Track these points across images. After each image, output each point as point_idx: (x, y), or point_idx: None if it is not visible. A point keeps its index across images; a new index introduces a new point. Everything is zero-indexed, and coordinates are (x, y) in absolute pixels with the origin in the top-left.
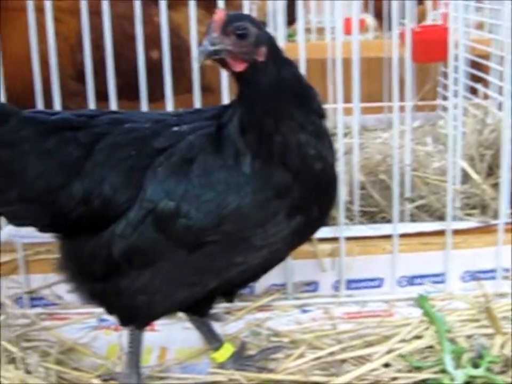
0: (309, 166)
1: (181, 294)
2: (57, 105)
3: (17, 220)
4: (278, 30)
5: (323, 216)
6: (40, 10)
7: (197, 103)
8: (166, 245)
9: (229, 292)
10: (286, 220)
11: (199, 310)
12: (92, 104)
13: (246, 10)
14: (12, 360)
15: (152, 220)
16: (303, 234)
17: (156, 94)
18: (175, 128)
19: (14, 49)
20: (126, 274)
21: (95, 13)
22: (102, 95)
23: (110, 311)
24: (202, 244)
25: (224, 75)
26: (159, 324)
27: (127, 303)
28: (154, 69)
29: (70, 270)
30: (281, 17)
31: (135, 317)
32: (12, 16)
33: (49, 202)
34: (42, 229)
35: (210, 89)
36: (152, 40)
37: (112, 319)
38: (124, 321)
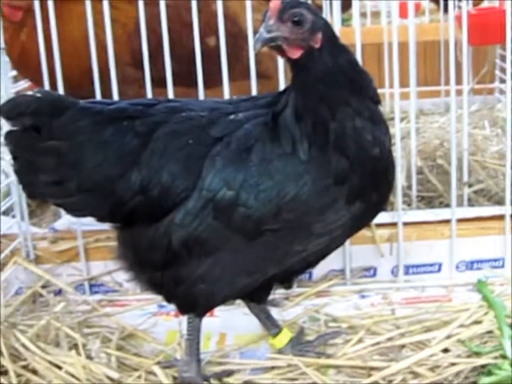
0: (366, 152)
1: (241, 282)
2: (115, 92)
3: (76, 211)
4: (333, 15)
5: (381, 202)
6: (97, 1)
7: (254, 90)
8: (225, 234)
9: (287, 279)
10: (345, 207)
11: (257, 297)
12: (149, 91)
13: None
14: (74, 347)
15: (212, 209)
16: (362, 220)
17: (212, 81)
18: (231, 117)
19: (72, 37)
20: (186, 263)
21: (152, 3)
22: (159, 82)
23: (169, 299)
24: (262, 233)
25: (281, 62)
26: (218, 310)
27: (186, 291)
28: (211, 56)
29: (128, 259)
30: (336, 2)
31: (194, 305)
32: (68, 6)
33: (108, 193)
34: (101, 219)
35: (267, 76)
36: (209, 27)
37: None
38: (183, 310)
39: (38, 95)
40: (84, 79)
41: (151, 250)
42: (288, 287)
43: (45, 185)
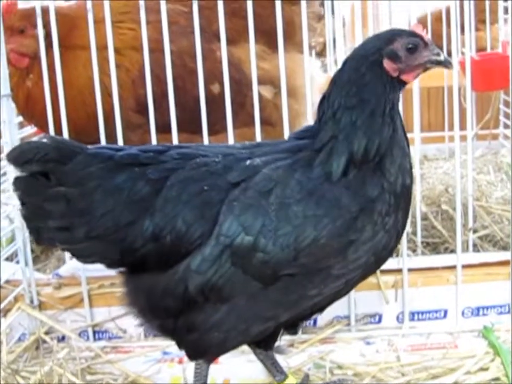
0: (404, 180)
1: (255, 329)
2: (119, 138)
3: (84, 257)
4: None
5: (400, 236)
6: (102, 48)
7: (258, 137)
8: (242, 280)
9: (294, 325)
10: (369, 239)
11: (264, 343)
12: (153, 137)
13: None
14: None
15: (229, 255)
16: (381, 257)
17: (216, 127)
18: (248, 162)
19: (77, 83)
20: (201, 310)
21: (157, 49)
22: (162, 128)
23: (180, 345)
24: (278, 278)
25: (285, 110)
26: (222, 356)
27: (199, 338)
28: (215, 103)
29: (138, 306)
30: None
31: (206, 351)
32: (74, 52)
33: (118, 240)
34: (110, 265)
35: (270, 123)
36: (213, 74)
37: (175, 352)
38: (193, 356)
39: (45, 141)
40: (89, 124)
41: (166, 297)
42: (294, 332)
43: (53, 231)
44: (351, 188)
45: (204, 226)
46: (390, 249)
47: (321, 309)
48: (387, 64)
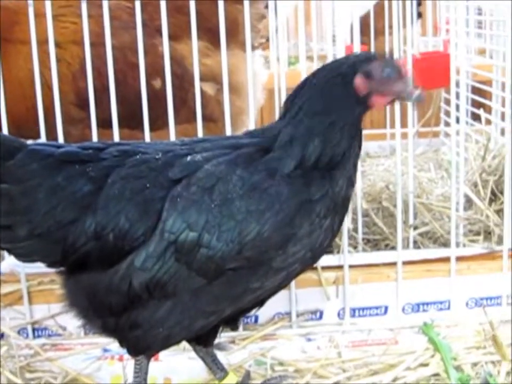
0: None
1: (199, 324)
2: (60, 133)
3: (25, 256)
4: (279, 57)
5: (336, 233)
6: (43, 42)
7: (200, 133)
8: (186, 275)
9: (234, 319)
10: (306, 235)
11: (205, 340)
12: (94, 132)
13: None
14: None
15: (173, 251)
16: (319, 251)
17: (157, 123)
18: (188, 158)
19: (16, 76)
20: (144, 307)
21: (99, 44)
22: (103, 123)
23: (122, 343)
24: (222, 272)
25: (227, 106)
26: (162, 354)
27: (143, 335)
28: (156, 98)
29: (79, 306)
30: (282, 44)
31: (149, 347)
32: (16, 48)
33: (60, 238)
34: (51, 264)
35: (212, 119)
36: (155, 69)
37: (115, 350)
38: (135, 352)
39: None
40: (29, 118)
41: (109, 295)
42: (235, 327)
43: None
44: (294, 185)
45: (147, 223)
46: (325, 247)
47: (262, 301)
48: (359, 80)
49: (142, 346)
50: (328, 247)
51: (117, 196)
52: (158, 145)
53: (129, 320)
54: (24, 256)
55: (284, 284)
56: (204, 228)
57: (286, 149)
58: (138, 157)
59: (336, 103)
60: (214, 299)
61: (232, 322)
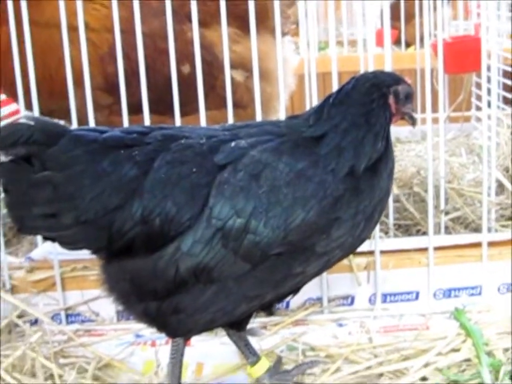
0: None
1: (241, 309)
2: (91, 116)
3: (71, 245)
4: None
5: (377, 221)
6: (74, 28)
7: (230, 119)
8: (232, 261)
9: (270, 305)
10: (350, 221)
11: (238, 325)
12: (125, 118)
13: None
14: (50, 377)
15: (221, 237)
16: (359, 240)
17: (185, 109)
18: (233, 144)
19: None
20: (188, 292)
21: (128, 30)
22: (130, 109)
23: (161, 327)
24: (267, 258)
25: (258, 92)
26: (194, 339)
27: (185, 319)
28: (185, 84)
29: (120, 290)
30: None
31: (189, 331)
32: (43, 32)
33: (107, 224)
34: (96, 251)
35: (241, 105)
36: (184, 55)
37: (148, 335)
38: (174, 335)
39: (30, 122)
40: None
41: (153, 280)
42: (270, 313)
43: (39, 218)
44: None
45: (193, 208)
46: (365, 235)
47: (298, 288)
48: (391, 100)
49: (183, 330)
50: (367, 237)
51: (163, 180)
52: (201, 130)
53: (172, 305)
54: (70, 244)
55: (323, 270)
56: (251, 214)
57: (333, 156)
58: (183, 141)
59: (376, 117)
60: (257, 284)
61: (267, 308)
